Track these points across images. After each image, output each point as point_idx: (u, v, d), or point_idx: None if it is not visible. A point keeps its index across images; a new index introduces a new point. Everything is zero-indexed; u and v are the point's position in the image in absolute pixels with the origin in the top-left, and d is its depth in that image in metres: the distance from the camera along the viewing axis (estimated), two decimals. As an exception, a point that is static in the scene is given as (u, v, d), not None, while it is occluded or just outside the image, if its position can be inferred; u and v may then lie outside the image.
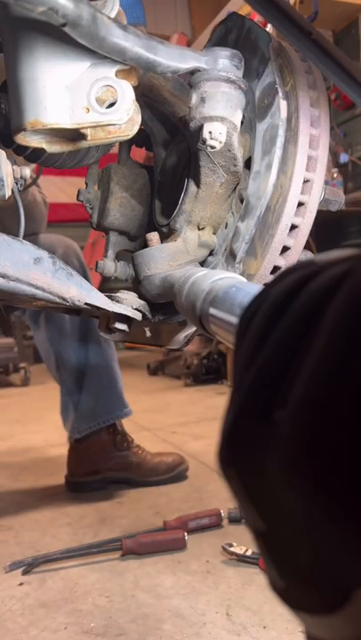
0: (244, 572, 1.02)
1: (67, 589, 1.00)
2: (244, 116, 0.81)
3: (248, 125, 0.81)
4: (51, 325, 1.55)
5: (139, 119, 0.73)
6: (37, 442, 2.13)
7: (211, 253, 0.86)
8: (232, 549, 1.06)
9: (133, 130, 0.72)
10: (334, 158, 2.99)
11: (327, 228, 2.93)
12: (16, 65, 0.70)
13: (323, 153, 0.76)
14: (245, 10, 2.05)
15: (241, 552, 1.05)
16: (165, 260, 0.82)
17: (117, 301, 0.83)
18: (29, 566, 1.08)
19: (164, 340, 0.98)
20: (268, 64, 0.78)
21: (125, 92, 0.70)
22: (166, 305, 0.85)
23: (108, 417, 1.55)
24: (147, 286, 0.83)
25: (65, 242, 1.57)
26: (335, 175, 2.92)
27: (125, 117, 0.70)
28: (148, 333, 0.92)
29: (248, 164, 0.81)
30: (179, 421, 2.32)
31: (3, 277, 0.72)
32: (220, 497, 1.39)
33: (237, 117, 0.75)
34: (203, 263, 0.87)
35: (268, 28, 1.86)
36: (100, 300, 0.79)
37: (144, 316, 0.85)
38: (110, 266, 0.96)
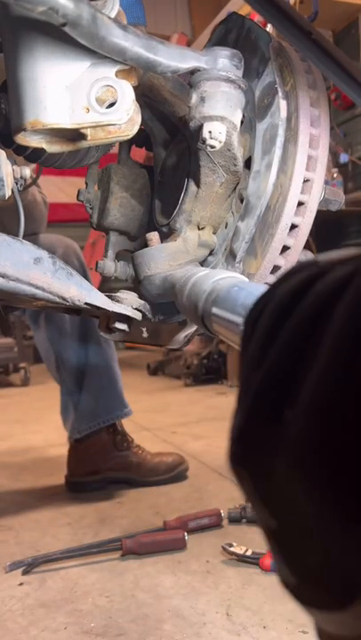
0: (244, 571, 1.02)
1: (67, 589, 1.00)
2: (244, 116, 0.81)
3: (248, 125, 0.81)
4: (51, 325, 1.55)
5: (139, 119, 0.73)
6: (37, 442, 2.13)
7: (211, 253, 0.86)
8: (232, 549, 1.06)
9: (133, 130, 0.72)
10: (334, 158, 2.99)
11: (327, 228, 2.93)
12: (16, 65, 0.70)
13: (323, 152, 0.76)
14: (245, 10, 2.05)
15: (241, 552, 1.05)
16: (165, 259, 0.82)
17: (117, 301, 0.83)
18: (29, 566, 1.08)
19: (164, 339, 0.98)
20: (268, 64, 0.78)
21: (125, 92, 0.70)
22: (166, 305, 0.85)
23: (108, 417, 1.55)
24: (147, 286, 0.83)
25: (65, 242, 1.57)
26: (335, 175, 2.92)
27: (125, 117, 0.70)
28: (145, 334, 0.92)
29: (248, 163, 0.81)
30: (179, 421, 2.32)
31: (3, 277, 0.72)
32: (220, 497, 1.39)
33: (237, 117, 0.75)
34: (203, 263, 0.87)
35: (268, 27, 1.86)
36: (100, 300, 0.79)
37: (144, 315, 0.85)
38: (110, 266, 0.96)
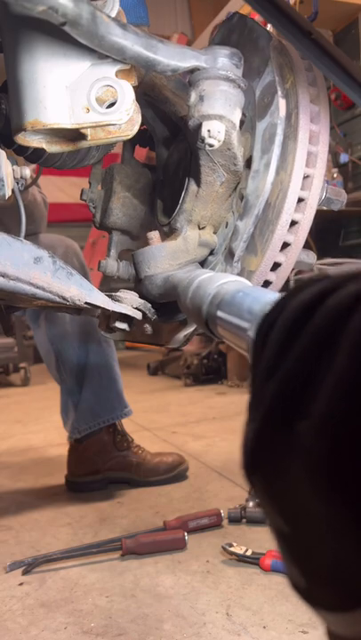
0: (244, 571, 1.02)
1: (67, 589, 1.00)
2: (245, 116, 0.81)
3: (249, 125, 0.81)
4: (51, 325, 1.55)
5: (139, 119, 0.73)
6: (37, 442, 2.13)
7: (211, 253, 0.86)
8: (232, 549, 1.06)
9: (133, 130, 0.72)
10: (334, 158, 2.99)
11: (327, 228, 2.93)
12: (16, 65, 0.70)
13: (323, 149, 0.76)
14: (245, 10, 2.05)
15: (241, 552, 1.05)
16: (165, 258, 0.82)
17: (117, 300, 0.83)
18: (29, 566, 1.08)
19: (164, 339, 0.98)
20: (268, 63, 0.78)
21: (125, 92, 0.70)
22: (166, 304, 0.85)
23: (108, 417, 1.55)
24: (148, 286, 0.83)
25: (65, 242, 1.57)
26: (335, 175, 2.92)
27: (125, 117, 0.70)
28: (150, 329, 0.92)
29: (249, 163, 0.81)
30: (179, 421, 2.32)
31: (3, 276, 0.72)
32: (220, 497, 1.39)
33: (236, 116, 0.75)
34: (203, 262, 0.87)
35: (269, 27, 1.86)
36: (101, 300, 0.79)
37: (144, 315, 0.85)
38: (113, 265, 0.96)
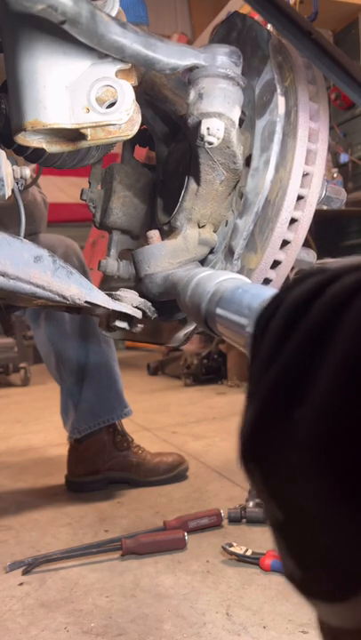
0: (244, 571, 1.02)
1: (67, 589, 1.00)
2: (244, 114, 0.81)
3: (249, 123, 0.81)
4: (51, 325, 1.55)
5: (139, 119, 0.73)
6: (37, 442, 2.12)
7: (211, 251, 0.86)
8: (232, 549, 1.06)
9: (133, 130, 0.72)
10: (334, 158, 2.99)
11: (327, 228, 2.93)
12: (16, 65, 0.70)
13: (322, 146, 0.76)
14: (245, 10, 2.05)
15: (241, 552, 1.05)
16: (165, 257, 0.82)
17: (117, 299, 0.83)
18: (29, 566, 1.07)
19: (163, 338, 0.98)
20: (267, 61, 0.78)
21: (125, 91, 0.70)
22: (166, 303, 0.85)
23: (108, 417, 1.55)
24: (148, 285, 0.83)
25: (65, 242, 1.57)
26: (335, 175, 2.92)
27: (125, 117, 0.70)
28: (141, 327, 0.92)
29: (249, 161, 0.81)
30: (179, 421, 2.32)
31: (3, 276, 0.72)
32: (220, 497, 1.39)
33: (235, 113, 0.75)
34: (203, 261, 0.87)
35: (268, 27, 1.86)
36: (101, 299, 0.79)
37: (144, 313, 0.85)
38: (113, 264, 0.96)
